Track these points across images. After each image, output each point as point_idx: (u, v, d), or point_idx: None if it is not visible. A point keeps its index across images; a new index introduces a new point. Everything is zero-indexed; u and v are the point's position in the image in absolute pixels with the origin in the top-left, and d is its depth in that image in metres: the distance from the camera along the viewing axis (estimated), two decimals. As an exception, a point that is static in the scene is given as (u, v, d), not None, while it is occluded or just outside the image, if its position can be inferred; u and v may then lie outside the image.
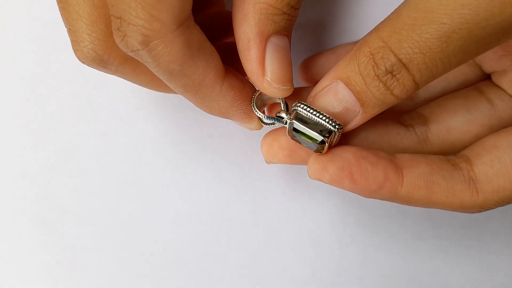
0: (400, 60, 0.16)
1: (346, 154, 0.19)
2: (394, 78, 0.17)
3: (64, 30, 0.19)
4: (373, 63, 0.17)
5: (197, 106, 0.20)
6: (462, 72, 0.23)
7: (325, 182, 0.19)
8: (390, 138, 0.22)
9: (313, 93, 0.19)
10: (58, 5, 0.19)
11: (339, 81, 0.18)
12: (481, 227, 0.28)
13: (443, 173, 0.19)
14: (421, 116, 0.23)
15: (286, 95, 0.19)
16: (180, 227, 0.27)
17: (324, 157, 0.19)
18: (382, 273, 0.28)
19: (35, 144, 0.28)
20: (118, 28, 0.16)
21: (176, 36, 0.16)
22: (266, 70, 0.18)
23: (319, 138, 0.18)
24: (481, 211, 0.20)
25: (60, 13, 0.19)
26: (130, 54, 0.17)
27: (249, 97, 0.20)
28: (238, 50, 0.19)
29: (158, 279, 0.27)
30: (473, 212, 0.20)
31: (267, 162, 0.21)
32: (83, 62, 0.19)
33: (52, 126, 0.28)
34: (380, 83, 0.17)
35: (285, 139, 0.20)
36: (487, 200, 0.19)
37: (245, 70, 0.19)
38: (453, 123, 0.22)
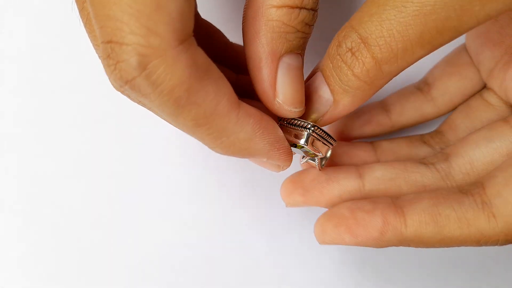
0: (359, 36, 0.16)
1: (342, 210, 0.19)
2: (353, 55, 0.16)
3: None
4: (337, 43, 0.17)
5: (213, 147, 0.17)
6: (489, 119, 0.22)
7: (331, 244, 0.19)
8: (409, 175, 0.21)
9: None
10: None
11: (318, 71, 0.18)
12: None
13: (450, 202, 0.18)
14: (443, 153, 0.21)
15: (297, 116, 0.18)
16: (184, 231, 0.27)
17: (323, 219, 0.19)
18: (382, 277, 0.28)
19: (41, 148, 0.28)
20: (108, 56, 0.14)
21: (179, 53, 0.13)
22: (277, 91, 0.17)
23: (302, 142, 0.18)
24: (510, 241, 0.17)
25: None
26: (125, 89, 0.14)
27: (270, 126, 0.17)
28: (248, 69, 0.17)
29: (161, 282, 0.27)
30: (501, 244, 0.18)
31: (286, 205, 0.22)
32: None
33: (57, 130, 0.28)
34: (342, 62, 0.17)
35: (299, 179, 0.21)
36: (509, 224, 0.17)
37: (256, 91, 0.17)
38: (475, 155, 0.20)
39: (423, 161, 0.21)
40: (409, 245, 0.19)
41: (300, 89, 0.17)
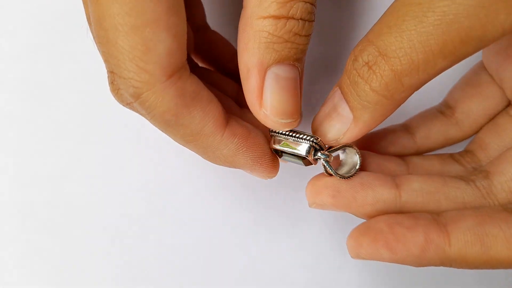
0: (377, 49, 0.16)
1: (379, 224, 0.18)
2: (370, 69, 0.16)
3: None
4: (353, 58, 0.16)
5: (202, 156, 0.19)
6: None
7: (366, 259, 0.18)
8: (449, 190, 0.20)
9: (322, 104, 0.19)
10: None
11: (337, 88, 0.18)
12: None
13: (497, 222, 0.17)
14: (483, 171, 0.20)
15: (288, 128, 0.18)
16: (184, 232, 0.28)
17: (358, 232, 0.18)
18: (381, 279, 0.28)
19: (43, 149, 0.28)
20: (112, 82, 0.16)
21: (167, 86, 0.16)
22: (263, 102, 0.17)
23: (303, 153, 0.18)
24: None
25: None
26: (126, 107, 0.17)
27: (257, 143, 0.19)
28: (241, 79, 0.18)
29: (160, 283, 0.28)
30: None
31: (310, 205, 0.20)
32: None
33: (59, 132, 0.28)
34: (358, 77, 0.16)
35: (330, 179, 0.19)
36: None
37: (246, 100, 0.18)
38: None
39: (462, 178, 0.20)
40: (451, 265, 0.17)
41: (289, 100, 0.17)
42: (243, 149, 0.18)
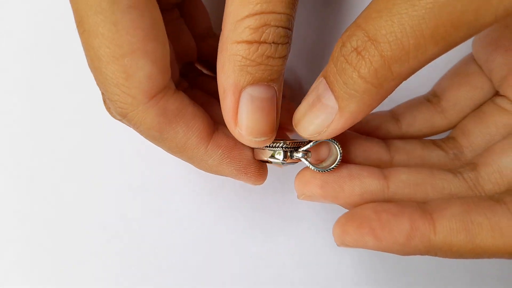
0: (366, 34, 0.15)
1: (365, 211, 0.17)
2: (359, 55, 0.15)
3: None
4: (340, 44, 0.16)
5: (192, 165, 0.20)
6: (504, 124, 0.21)
7: (351, 247, 0.18)
8: (436, 182, 0.20)
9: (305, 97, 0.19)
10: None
11: (322, 78, 0.17)
12: None
13: (482, 210, 0.17)
14: (469, 163, 0.20)
15: (262, 146, 0.19)
16: (181, 232, 0.28)
17: (343, 219, 0.18)
18: (378, 278, 0.28)
19: (43, 149, 0.28)
20: (104, 101, 0.19)
21: (150, 106, 0.17)
22: (238, 121, 0.18)
23: (280, 159, 0.19)
24: None
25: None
26: (119, 121, 0.19)
27: (241, 154, 0.20)
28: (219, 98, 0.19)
29: (159, 283, 0.28)
30: None
31: (299, 196, 0.20)
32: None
33: (59, 132, 0.28)
34: (346, 64, 0.16)
35: (319, 173, 0.19)
36: None
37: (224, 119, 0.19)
38: (503, 163, 0.19)
39: (450, 170, 0.20)
40: (436, 254, 0.17)
41: (263, 119, 0.18)
42: (227, 160, 0.19)
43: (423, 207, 0.17)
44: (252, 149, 0.20)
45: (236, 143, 0.20)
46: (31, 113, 0.28)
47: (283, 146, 0.19)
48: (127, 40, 0.16)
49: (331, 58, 0.16)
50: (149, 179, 0.28)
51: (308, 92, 0.18)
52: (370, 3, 0.15)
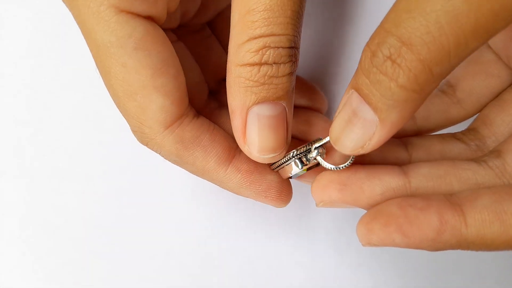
0: (399, 38, 0.14)
1: (390, 207, 0.16)
2: (394, 63, 0.14)
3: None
4: (370, 54, 0.15)
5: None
6: None
7: (378, 246, 0.17)
8: (460, 172, 0.19)
9: (337, 111, 0.18)
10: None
11: (352, 90, 0.16)
12: None
13: None
14: (494, 151, 0.19)
15: (271, 162, 0.20)
16: (182, 233, 0.28)
17: (368, 218, 0.17)
18: (377, 279, 0.28)
19: (44, 150, 0.28)
20: (132, 129, 0.20)
21: (166, 135, 0.19)
22: (247, 139, 0.19)
23: (297, 170, 0.20)
24: None
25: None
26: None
27: (261, 179, 0.20)
28: None
29: (160, 283, 0.28)
30: None
31: (317, 204, 0.19)
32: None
33: (61, 133, 0.28)
34: (381, 75, 0.15)
35: (335, 174, 0.19)
36: None
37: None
38: None
39: (473, 159, 0.19)
40: (468, 248, 0.16)
41: (271, 137, 0.19)
42: (246, 184, 0.20)
43: (450, 199, 0.16)
44: (274, 172, 0.21)
45: (257, 167, 0.20)
46: (32, 114, 0.28)
47: (294, 155, 0.20)
48: (136, 78, 0.18)
49: (361, 69, 0.15)
50: (150, 180, 0.28)
51: (340, 107, 0.17)
52: (395, 4, 0.14)
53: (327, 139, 0.19)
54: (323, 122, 0.24)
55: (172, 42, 0.22)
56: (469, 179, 0.18)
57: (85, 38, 0.19)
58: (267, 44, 0.17)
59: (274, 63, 0.17)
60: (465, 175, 0.18)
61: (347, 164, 0.19)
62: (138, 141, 0.20)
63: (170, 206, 0.28)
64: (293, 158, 0.20)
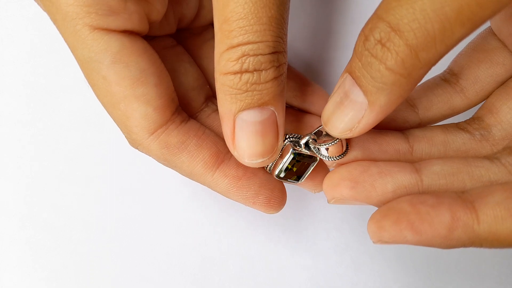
0: (389, 24, 0.14)
1: (401, 204, 0.16)
2: (384, 47, 0.15)
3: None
4: (363, 38, 0.15)
5: None
6: None
7: (389, 243, 0.16)
8: (473, 170, 0.18)
9: (331, 95, 0.18)
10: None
11: (347, 74, 0.17)
12: None
13: None
14: (507, 147, 0.19)
15: (260, 166, 0.20)
16: (182, 234, 0.28)
17: (379, 215, 0.16)
18: (376, 280, 0.28)
19: (44, 152, 0.29)
20: (123, 134, 0.21)
21: (152, 140, 0.20)
22: (236, 145, 0.19)
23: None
24: None
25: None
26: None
27: (249, 185, 0.20)
28: None
29: (160, 284, 0.28)
30: None
31: (329, 200, 0.19)
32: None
33: (61, 135, 0.29)
34: (371, 57, 0.15)
35: (346, 172, 0.19)
36: None
37: None
38: None
39: (485, 156, 0.19)
40: (481, 245, 0.16)
41: (258, 142, 0.19)
42: (234, 189, 0.20)
43: (462, 196, 0.16)
44: (266, 177, 0.21)
45: (246, 173, 0.20)
46: (32, 116, 0.28)
47: (290, 140, 0.20)
48: (117, 89, 0.19)
49: (355, 53, 0.16)
50: (149, 181, 0.28)
51: (334, 90, 0.18)
52: None
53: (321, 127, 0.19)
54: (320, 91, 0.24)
55: (170, 47, 0.23)
56: (482, 176, 0.18)
57: (70, 50, 0.19)
58: (245, 53, 0.17)
59: (255, 70, 0.17)
60: (477, 172, 0.18)
61: (344, 154, 0.19)
62: (130, 145, 0.21)
63: (171, 207, 0.28)
64: (286, 140, 0.20)
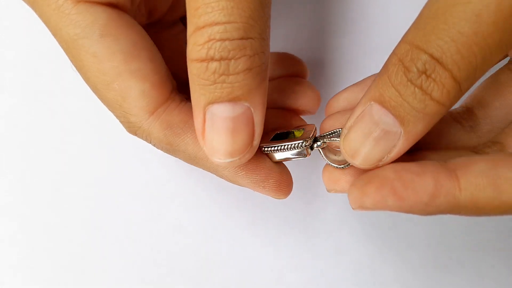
0: (431, 56, 0.15)
1: (385, 171, 0.17)
2: (429, 78, 0.15)
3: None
4: (403, 69, 0.15)
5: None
6: None
7: (370, 209, 0.17)
8: None
9: (348, 123, 0.17)
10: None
11: (373, 102, 0.16)
12: (474, 237, 0.28)
13: (510, 165, 0.16)
14: (496, 142, 0.20)
15: (231, 167, 0.18)
16: (182, 233, 0.28)
17: (362, 181, 0.17)
18: (376, 281, 0.28)
19: (44, 153, 0.28)
20: (119, 120, 0.19)
21: (152, 122, 0.18)
22: (205, 140, 0.17)
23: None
24: None
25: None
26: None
27: (258, 168, 0.19)
28: None
29: (160, 284, 0.28)
30: None
31: (329, 191, 0.20)
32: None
33: (62, 137, 0.28)
34: (416, 88, 0.15)
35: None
36: None
37: None
38: None
39: (475, 151, 0.20)
40: (459, 213, 0.16)
41: (228, 140, 0.17)
42: (242, 173, 0.19)
43: (445, 165, 0.17)
44: (274, 161, 0.20)
45: (255, 155, 0.19)
46: (34, 116, 0.28)
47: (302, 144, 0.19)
48: (109, 66, 0.17)
49: (389, 83, 0.16)
50: (150, 181, 0.28)
51: (355, 119, 0.17)
52: (421, 18, 0.15)
53: (333, 136, 0.19)
54: (308, 89, 0.23)
55: None
56: None
57: (53, 36, 0.18)
58: (211, 36, 0.15)
59: (222, 59, 0.15)
60: None
61: (348, 165, 0.19)
62: (127, 132, 0.20)
63: (171, 207, 0.28)
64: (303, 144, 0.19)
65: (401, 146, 0.16)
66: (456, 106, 0.22)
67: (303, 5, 0.28)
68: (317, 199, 0.28)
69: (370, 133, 0.16)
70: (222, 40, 0.15)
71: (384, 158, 0.17)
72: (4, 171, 0.28)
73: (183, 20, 0.23)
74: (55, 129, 0.28)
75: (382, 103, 0.16)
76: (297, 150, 0.19)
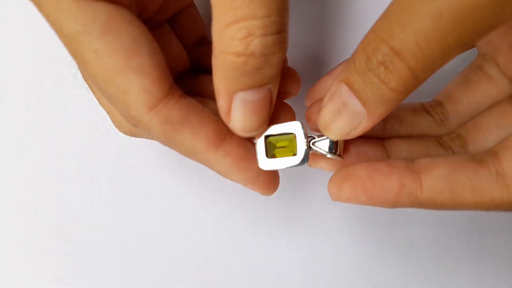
0: (391, 48, 0.16)
1: (359, 171, 0.19)
2: (387, 69, 0.16)
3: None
4: (365, 58, 0.17)
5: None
6: (490, 93, 0.23)
7: (346, 202, 0.19)
8: (430, 155, 0.21)
9: (324, 100, 0.19)
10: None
11: (342, 83, 0.18)
12: (474, 237, 0.28)
13: (466, 171, 0.18)
14: (460, 137, 0.22)
15: (252, 136, 0.20)
16: (183, 233, 0.28)
17: (339, 178, 0.19)
18: (376, 281, 0.28)
19: (45, 153, 0.29)
20: (112, 120, 0.21)
21: (153, 116, 0.18)
22: (231, 120, 0.19)
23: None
24: None
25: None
26: (128, 135, 0.22)
27: (250, 165, 0.20)
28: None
29: (160, 284, 0.28)
30: (508, 211, 0.18)
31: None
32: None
33: (57, 134, 0.28)
34: (374, 78, 0.16)
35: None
36: None
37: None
38: (488, 143, 0.21)
39: (441, 142, 0.22)
40: (420, 207, 0.19)
41: (254, 119, 0.19)
42: (236, 169, 0.20)
43: (411, 166, 0.19)
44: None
45: (247, 154, 0.20)
46: (36, 116, 0.28)
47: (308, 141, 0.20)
48: (110, 62, 0.17)
49: (354, 69, 0.17)
50: (151, 181, 0.28)
51: (328, 97, 0.19)
52: (388, 12, 0.16)
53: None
54: (287, 71, 0.23)
55: None
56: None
57: (54, 31, 0.18)
58: (252, 32, 0.16)
59: (262, 55, 0.16)
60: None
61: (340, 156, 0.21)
62: (122, 131, 0.21)
63: (172, 207, 0.28)
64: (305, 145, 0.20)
65: (365, 124, 0.18)
66: (429, 100, 0.24)
67: (307, 4, 0.29)
68: (317, 199, 0.29)
69: (339, 111, 0.18)
70: (263, 35, 0.16)
71: (351, 132, 0.19)
72: (4, 171, 0.28)
73: (169, 21, 0.24)
74: (58, 129, 0.28)
75: (349, 86, 0.18)
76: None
